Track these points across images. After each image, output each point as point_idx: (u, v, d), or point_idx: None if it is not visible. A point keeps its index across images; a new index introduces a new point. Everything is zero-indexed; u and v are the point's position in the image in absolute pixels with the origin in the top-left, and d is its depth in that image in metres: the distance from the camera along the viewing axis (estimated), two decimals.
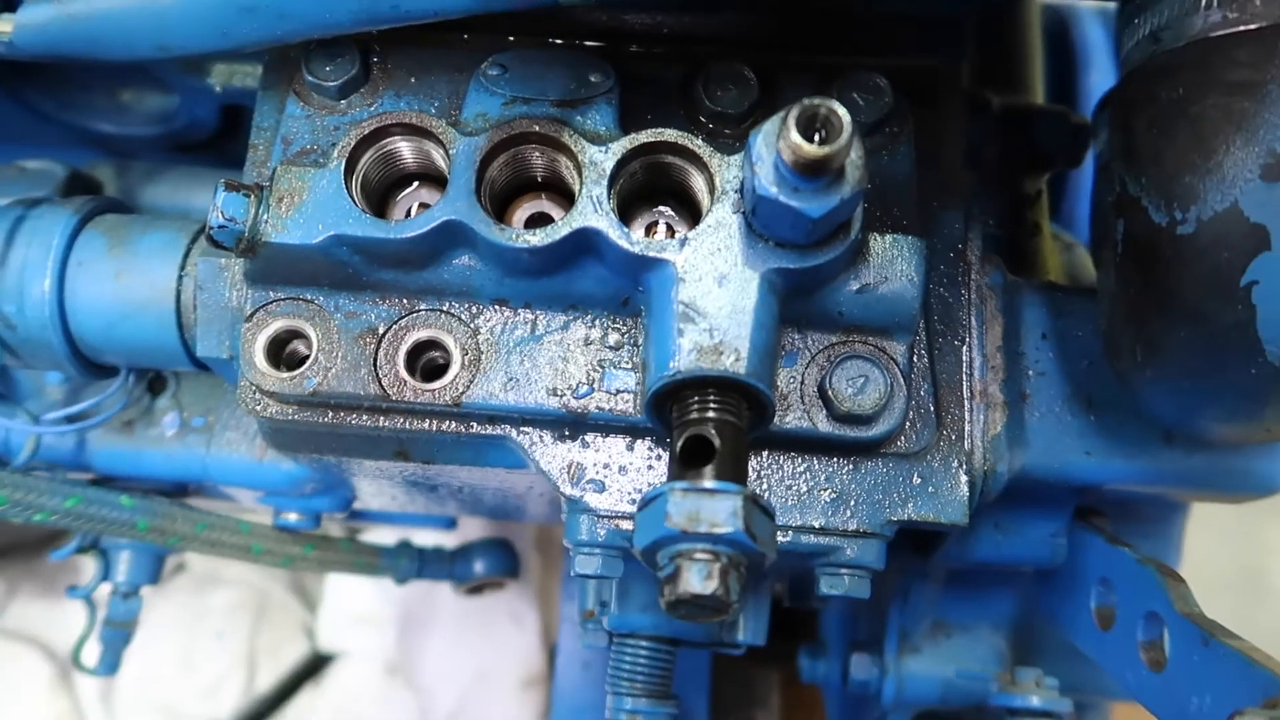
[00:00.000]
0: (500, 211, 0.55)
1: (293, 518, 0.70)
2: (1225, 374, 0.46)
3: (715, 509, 0.43)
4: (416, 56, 0.58)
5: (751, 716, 1.13)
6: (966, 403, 0.55)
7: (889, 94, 0.56)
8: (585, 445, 0.54)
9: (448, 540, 0.89)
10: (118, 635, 0.71)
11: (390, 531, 0.90)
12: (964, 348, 0.55)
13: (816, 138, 0.43)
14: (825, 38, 0.59)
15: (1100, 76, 0.89)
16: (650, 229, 0.55)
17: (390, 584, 1.07)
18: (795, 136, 0.43)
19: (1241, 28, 0.42)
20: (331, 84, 0.56)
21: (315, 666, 1.13)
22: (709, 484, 0.44)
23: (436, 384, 0.52)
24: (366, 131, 0.51)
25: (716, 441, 0.46)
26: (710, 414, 0.48)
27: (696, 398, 0.48)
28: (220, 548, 0.67)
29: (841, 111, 0.43)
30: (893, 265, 0.52)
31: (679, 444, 0.47)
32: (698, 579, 0.43)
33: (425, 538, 0.87)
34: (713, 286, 0.49)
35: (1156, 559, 0.53)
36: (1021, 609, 0.70)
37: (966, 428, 0.54)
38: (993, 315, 0.56)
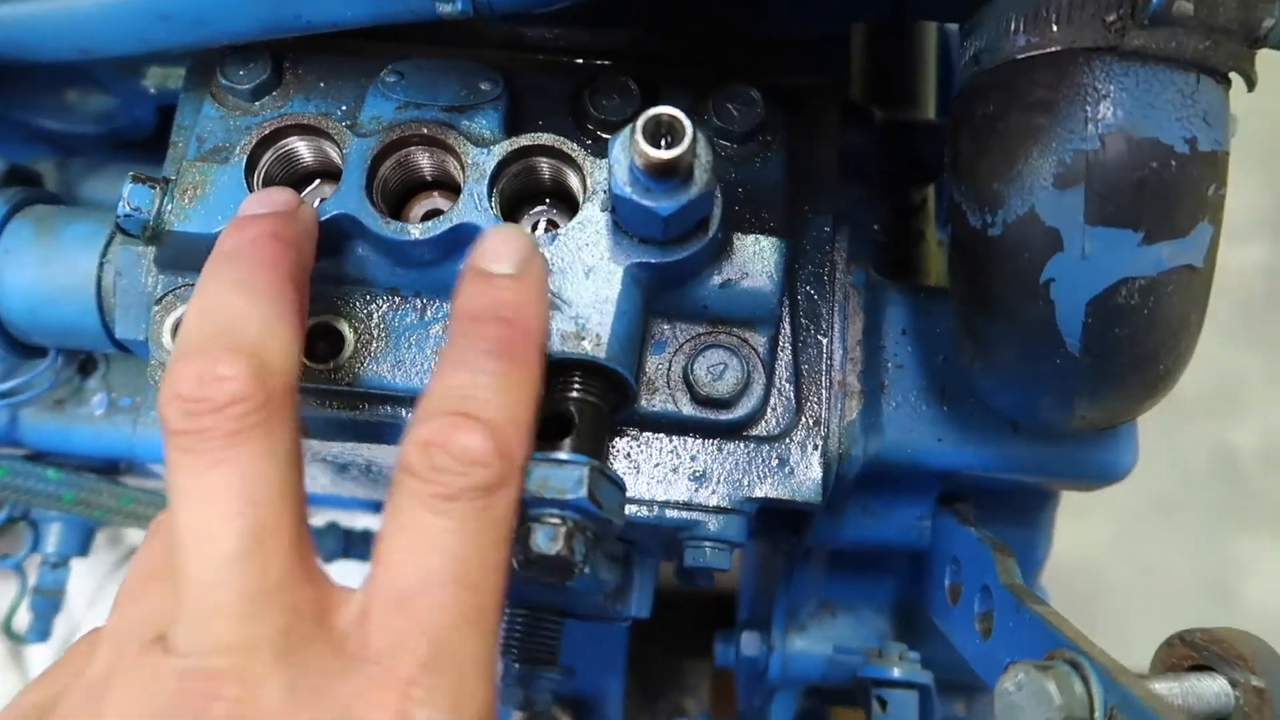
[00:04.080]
0: (398, 207, 0.59)
1: None
2: (1036, 365, 0.50)
3: (563, 477, 0.47)
4: (327, 63, 0.62)
5: (680, 703, 1.17)
6: (825, 391, 0.59)
7: (761, 106, 0.60)
8: None
9: (377, 525, 0.93)
10: (47, 603, 0.75)
11: (320, 515, 0.93)
12: (826, 341, 0.60)
13: (663, 143, 0.48)
14: (709, 56, 0.64)
15: None
16: (536, 227, 0.59)
17: (334, 566, 1.11)
18: (643, 142, 0.47)
19: (1040, 51, 0.47)
20: (244, 87, 0.60)
21: None
22: (560, 455, 0.48)
23: (329, 364, 0.57)
24: (266, 131, 0.56)
25: (575, 418, 0.51)
26: (573, 394, 0.52)
27: (561, 379, 0.52)
28: (146, 521, 0.71)
29: (684, 119, 0.47)
30: (754, 263, 0.56)
31: (541, 421, 0.51)
32: (544, 540, 0.47)
33: (356, 522, 0.91)
34: (579, 278, 0.53)
35: (994, 538, 0.58)
36: (902, 592, 0.74)
37: (824, 414, 0.59)
38: (855, 311, 0.61)
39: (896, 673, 0.64)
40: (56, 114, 0.80)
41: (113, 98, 0.77)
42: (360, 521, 0.92)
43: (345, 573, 1.06)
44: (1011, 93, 0.48)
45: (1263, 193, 2.84)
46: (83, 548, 0.76)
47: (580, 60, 0.64)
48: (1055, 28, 0.46)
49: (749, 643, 0.74)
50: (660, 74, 0.63)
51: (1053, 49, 0.46)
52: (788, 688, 0.75)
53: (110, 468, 0.76)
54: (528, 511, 0.48)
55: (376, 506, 0.91)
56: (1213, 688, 0.47)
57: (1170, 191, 0.45)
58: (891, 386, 0.61)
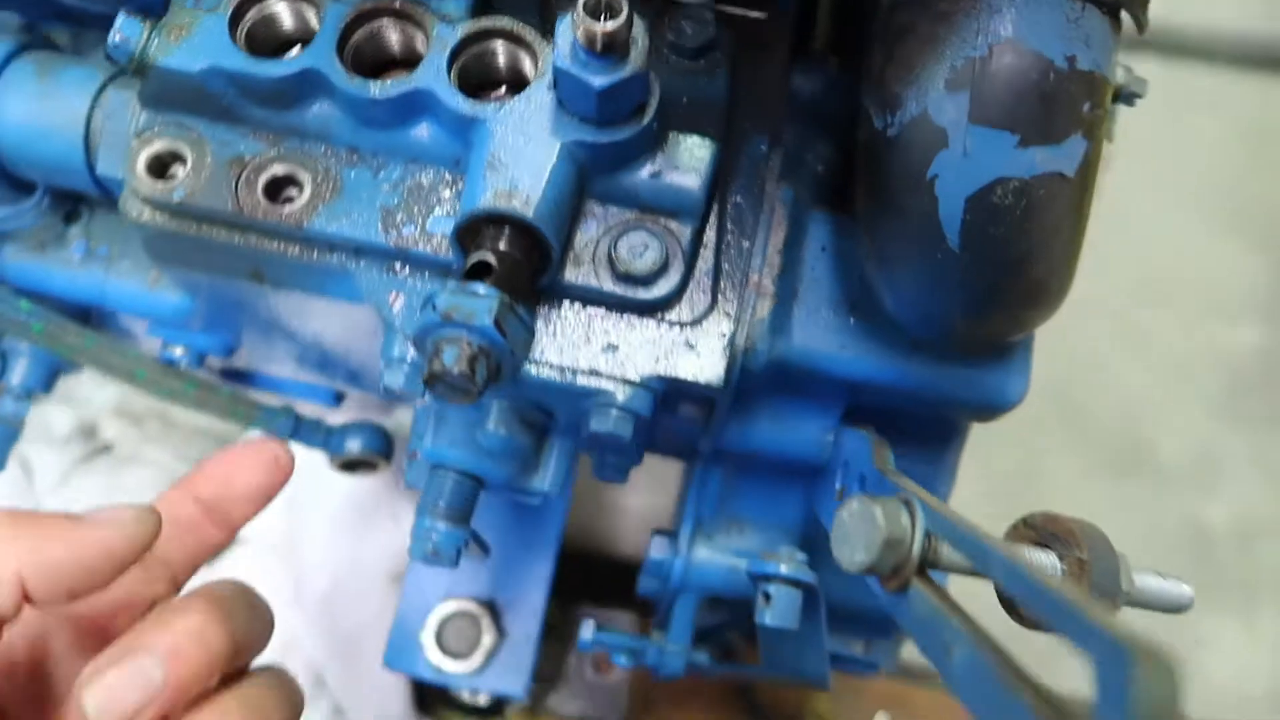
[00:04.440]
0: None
1: (177, 353, 0.79)
2: (921, 260, 0.55)
3: (474, 305, 0.52)
4: None
5: None
6: (740, 289, 0.64)
7: (713, 25, 0.65)
8: (407, 279, 0.63)
9: (333, 418, 0.97)
10: (7, 431, 0.80)
11: (278, 399, 0.97)
12: (748, 245, 0.64)
13: (603, 19, 0.53)
14: None
15: None
16: None
17: None
18: (583, 14, 0.52)
19: None
20: None
21: None
22: (476, 288, 0.53)
23: (284, 208, 0.61)
24: None
25: (494, 264, 0.56)
26: (499, 247, 0.57)
27: (491, 233, 0.57)
28: (107, 366, 0.76)
29: None
30: (686, 158, 0.61)
31: (465, 267, 0.56)
32: (449, 358, 0.52)
33: (306, 410, 0.96)
34: (520, 145, 0.58)
35: (878, 436, 0.62)
36: (808, 515, 0.78)
37: (736, 309, 0.63)
38: (779, 223, 0.65)
39: (783, 569, 0.68)
40: None
41: None
42: (313, 411, 0.97)
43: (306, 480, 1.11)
44: (921, 6, 0.53)
45: (1261, 275, 2.90)
46: (46, 384, 0.81)
47: None
48: None
49: (658, 546, 0.78)
50: None
51: None
52: (689, 593, 0.79)
53: (82, 316, 0.81)
54: (439, 333, 0.53)
55: (333, 397, 0.96)
56: (1041, 558, 0.51)
57: (1047, 101, 0.50)
58: (804, 295, 0.65)
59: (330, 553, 1.10)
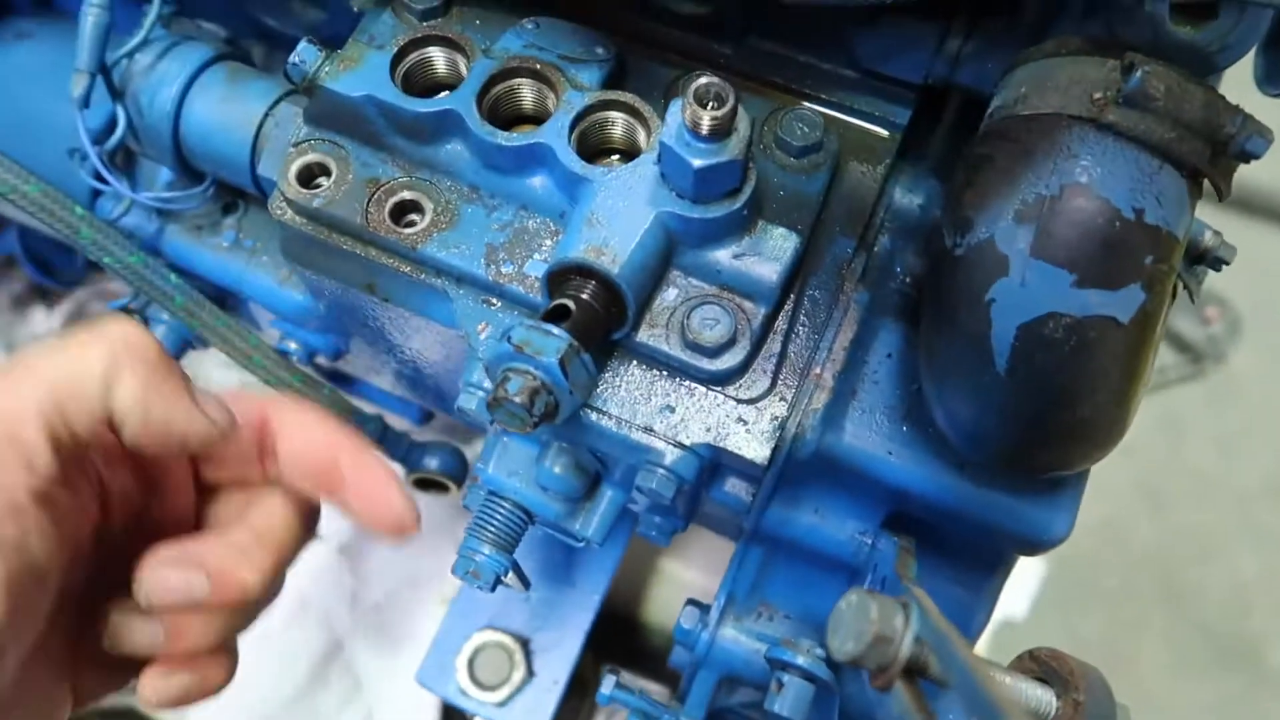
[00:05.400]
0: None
1: (292, 346, 0.86)
2: (970, 379, 0.57)
3: (545, 343, 0.57)
4: (488, 6, 0.75)
5: None
6: (801, 378, 0.67)
7: (820, 130, 0.69)
8: (497, 313, 0.68)
9: (417, 436, 1.03)
10: None
11: (371, 408, 1.04)
12: (817, 338, 0.67)
13: (709, 106, 0.58)
14: (803, 81, 0.74)
15: None
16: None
17: None
18: (693, 102, 0.58)
19: (1036, 111, 0.55)
20: (418, 8, 0.73)
21: None
22: (551, 327, 0.58)
23: (404, 230, 0.68)
24: (418, 35, 0.69)
25: (573, 310, 0.60)
26: (581, 296, 0.62)
27: (576, 282, 0.62)
28: (230, 347, 0.84)
29: (729, 90, 0.57)
30: (769, 247, 0.65)
31: (547, 309, 0.61)
32: (514, 387, 0.57)
33: (396, 423, 1.02)
34: (619, 208, 0.63)
35: (910, 545, 0.63)
36: None
37: (793, 396, 0.66)
38: (850, 323, 0.68)
39: (800, 660, 0.69)
40: (279, 16, 0.96)
41: (324, 12, 0.93)
42: (400, 426, 1.03)
43: None
44: (1005, 140, 0.56)
45: None
46: (176, 355, 0.90)
47: (685, 58, 0.75)
48: (1053, 96, 0.54)
49: (689, 616, 0.80)
50: (747, 85, 0.73)
51: (1047, 111, 0.54)
52: (709, 670, 0.80)
53: (218, 300, 0.89)
54: (510, 363, 0.57)
55: (420, 416, 1.02)
56: (1038, 692, 0.52)
57: (1109, 247, 0.52)
58: (862, 395, 0.68)
59: (391, 566, 1.16)
